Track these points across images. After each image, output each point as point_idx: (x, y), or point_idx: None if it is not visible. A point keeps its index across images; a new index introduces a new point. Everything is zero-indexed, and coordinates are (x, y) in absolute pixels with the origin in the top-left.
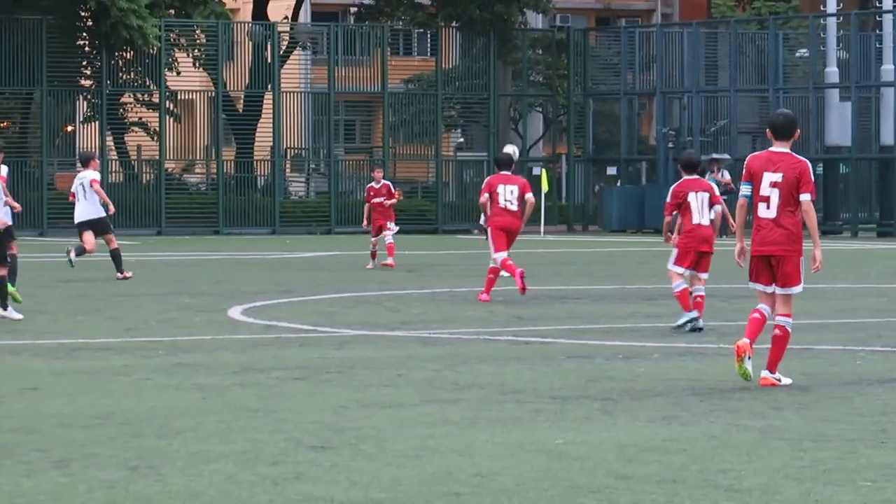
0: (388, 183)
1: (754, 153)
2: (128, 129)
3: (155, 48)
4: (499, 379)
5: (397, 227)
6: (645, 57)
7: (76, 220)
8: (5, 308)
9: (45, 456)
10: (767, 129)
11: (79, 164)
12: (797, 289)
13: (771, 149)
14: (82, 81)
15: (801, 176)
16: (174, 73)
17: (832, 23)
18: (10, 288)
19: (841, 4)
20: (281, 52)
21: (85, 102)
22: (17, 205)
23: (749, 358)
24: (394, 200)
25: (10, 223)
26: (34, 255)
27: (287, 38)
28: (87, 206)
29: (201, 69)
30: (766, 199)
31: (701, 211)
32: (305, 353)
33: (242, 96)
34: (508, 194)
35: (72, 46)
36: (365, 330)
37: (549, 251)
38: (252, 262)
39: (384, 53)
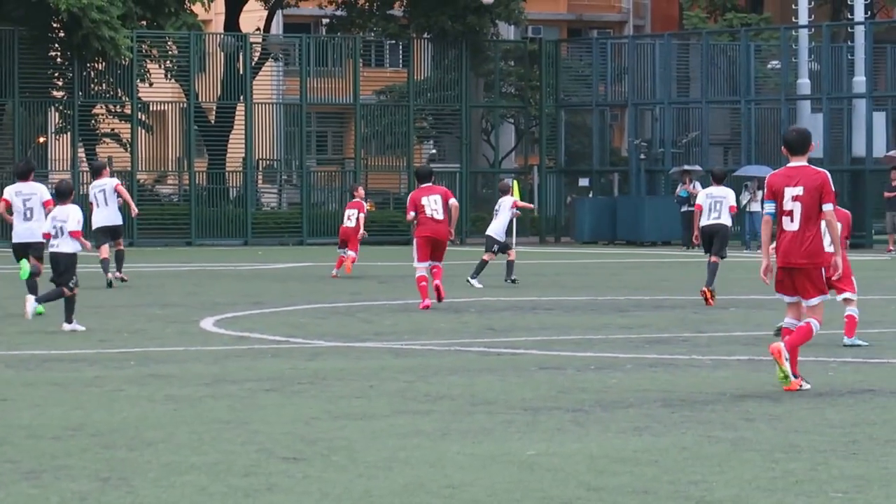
0: (360, 202)
1: (774, 171)
2: (100, 141)
3: (127, 59)
4: (470, 390)
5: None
6: (617, 68)
7: (95, 226)
8: (70, 322)
9: (15, 467)
10: (783, 147)
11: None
12: (815, 300)
13: (788, 165)
14: (54, 92)
15: (822, 186)
16: (146, 85)
17: (804, 34)
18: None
19: (813, 16)
20: (253, 64)
21: (57, 114)
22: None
23: (787, 360)
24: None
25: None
26: (8, 266)
27: (259, 49)
28: (108, 213)
29: (173, 80)
30: (790, 213)
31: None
32: (277, 364)
33: (214, 107)
34: (433, 204)
35: (44, 57)
36: (337, 341)
37: (521, 262)
38: (224, 273)
39: (356, 65)
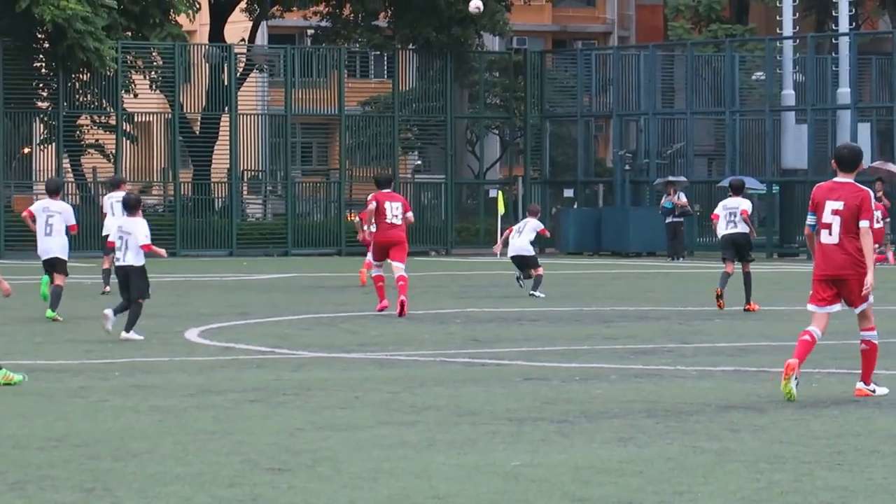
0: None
1: (819, 184)
2: (84, 152)
3: (112, 70)
4: (455, 401)
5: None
6: (601, 79)
7: (106, 232)
8: (128, 330)
9: (0, 478)
10: (833, 161)
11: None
12: (866, 304)
13: (834, 179)
14: (39, 103)
15: (861, 204)
16: (131, 95)
17: (788, 45)
18: (49, 314)
19: (797, 27)
20: (238, 75)
21: (41, 124)
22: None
23: (796, 378)
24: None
25: None
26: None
27: (244, 60)
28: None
29: (158, 91)
30: (829, 227)
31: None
32: (262, 374)
33: (199, 118)
34: (395, 209)
35: (28, 68)
36: (322, 352)
37: (505, 273)
38: (209, 283)
39: (341, 75)
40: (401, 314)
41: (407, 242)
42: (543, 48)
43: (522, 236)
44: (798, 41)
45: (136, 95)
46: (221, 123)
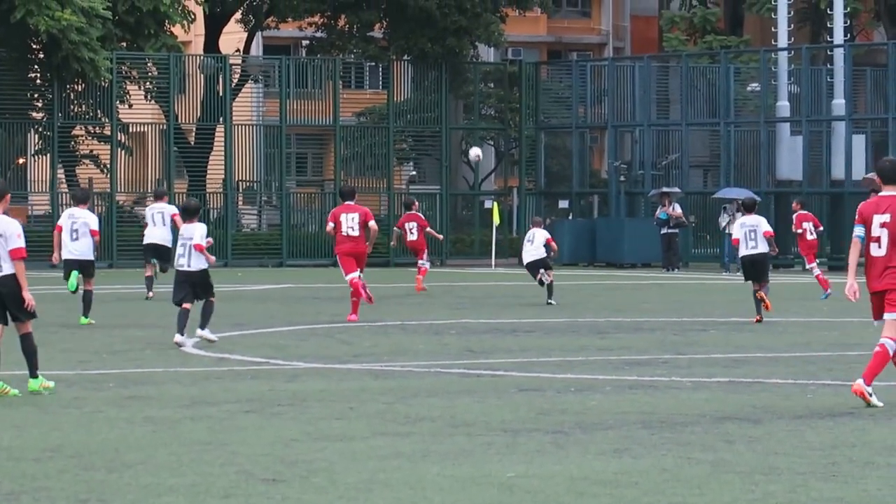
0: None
1: (866, 200)
2: (79, 162)
3: (106, 81)
4: (450, 412)
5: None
6: (596, 90)
7: (146, 241)
8: (203, 327)
9: None
10: (876, 176)
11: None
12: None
13: (881, 193)
14: (33, 114)
15: None
16: (126, 106)
17: (783, 57)
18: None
19: (792, 38)
20: (233, 85)
21: (36, 135)
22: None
23: (871, 394)
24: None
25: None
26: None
27: (239, 70)
28: (161, 232)
29: (153, 102)
30: (878, 240)
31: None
32: (257, 385)
33: (194, 129)
34: (350, 222)
35: (23, 79)
36: (317, 363)
37: (500, 284)
38: None
39: (336, 86)
40: (369, 300)
41: (365, 255)
42: (538, 59)
43: (535, 244)
44: (793, 52)
45: (130, 106)
46: (216, 134)
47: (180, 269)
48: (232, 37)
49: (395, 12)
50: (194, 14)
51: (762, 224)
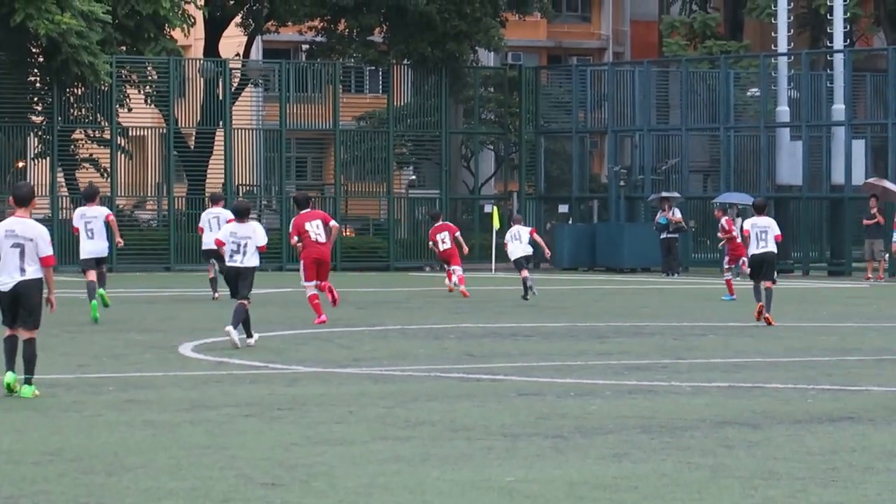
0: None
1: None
2: (79, 166)
3: (106, 84)
4: (450, 416)
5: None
6: (596, 95)
7: (204, 247)
8: (250, 336)
9: None
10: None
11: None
12: None
13: None
14: (33, 117)
15: None
16: (125, 110)
17: (783, 62)
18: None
19: (792, 44)
20: (232, 89)
21: (36, 139)
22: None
23: None
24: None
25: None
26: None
27: (239, 74)
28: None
29: (153, 105)
30: None
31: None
32: (256, 389)
33: (194, 133)
34: (316, 228)
35: (23, 82)
36: (316, 367)
37: (500, 288)
38: (203, 298)
39: (336, 90)
40: (334, 303)
41: (329, 260)
42: (538, 64)
43: (523, 241)
44: (793, 58)
45: (130, 110)
46: (216, 138)
47: (233, 264)
48: (232, 41)
49: (395, 16)
50: (194, 18)
51: (773, 226)
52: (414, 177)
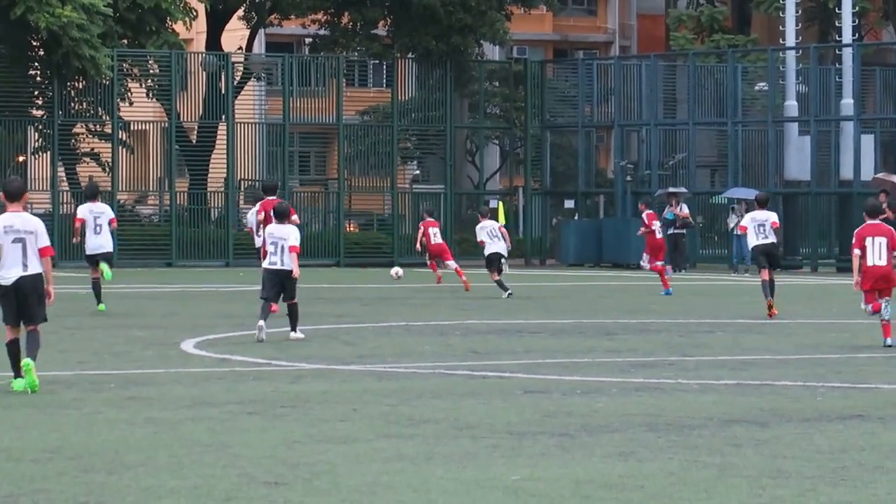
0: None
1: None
2: (80, 160)
3: (107, 78)
4: (454, 414)
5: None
6: (603, 89)
7: (258, 245)
8: (294, 330)
9: None
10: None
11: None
12: None
13: None
14: (34, 111)
15: None
16: (127, 104)
17: (791, 56)
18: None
19: (800, 38)
20: (235, 83)
21: (36, 132)
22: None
23: None
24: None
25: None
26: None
27: (241, 68)
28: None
29: (154, 99)
30: None
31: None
32: (259, 386)
33: (196, 127)
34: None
35: (23, 76)
36: (320, 364)
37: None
38: (205, 294)
39: (339, 84)
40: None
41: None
42: (544, 58)
43: (500, 236)
44: (801, 52)
45: (131, 104)
46: (218, 132)
47: (272, 266)
48: (234, 34)
49: (400, 10)
50: (196, 11)
51: (771, 217)
52: (418, 172)
